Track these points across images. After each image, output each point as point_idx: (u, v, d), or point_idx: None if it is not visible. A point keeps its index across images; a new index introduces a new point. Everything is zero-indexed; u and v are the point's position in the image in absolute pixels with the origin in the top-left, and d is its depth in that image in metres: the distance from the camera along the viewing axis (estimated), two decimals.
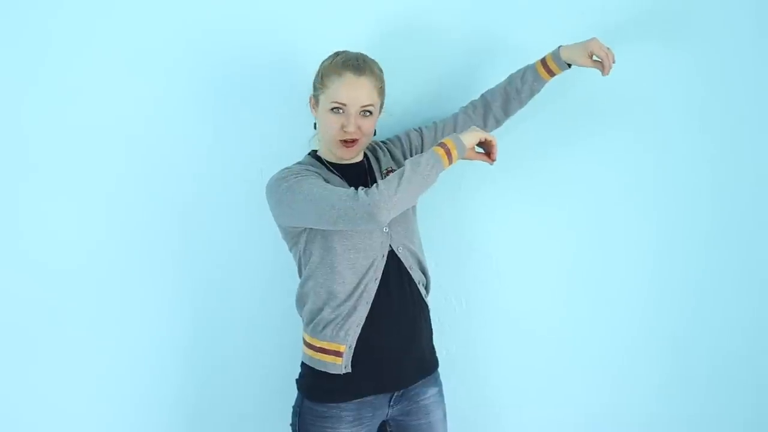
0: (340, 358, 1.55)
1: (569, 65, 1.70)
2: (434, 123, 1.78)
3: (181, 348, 1.94)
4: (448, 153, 1.50)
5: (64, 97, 1.79)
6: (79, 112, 1.80)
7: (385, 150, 1.73)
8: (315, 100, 1.61)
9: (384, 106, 1.66)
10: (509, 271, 1.99)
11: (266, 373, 1.96)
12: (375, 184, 1.46)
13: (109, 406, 1.93)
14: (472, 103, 1.78)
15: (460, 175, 1.88)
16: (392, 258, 1.60)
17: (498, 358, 2.03)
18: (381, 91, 1.61)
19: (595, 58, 1.67)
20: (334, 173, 1.62)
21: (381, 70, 1.61)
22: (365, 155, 1.70)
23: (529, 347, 2.03)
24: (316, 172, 1.57)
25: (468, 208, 1.96)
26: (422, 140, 1.76)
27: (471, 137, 1.54)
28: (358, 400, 1.58)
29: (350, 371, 1.56)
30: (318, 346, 1.58)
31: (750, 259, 2.03)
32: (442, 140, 1.53)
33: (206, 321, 1.94)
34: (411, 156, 1.74)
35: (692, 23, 1.92)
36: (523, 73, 1.74)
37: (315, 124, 1.65)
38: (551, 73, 1.72)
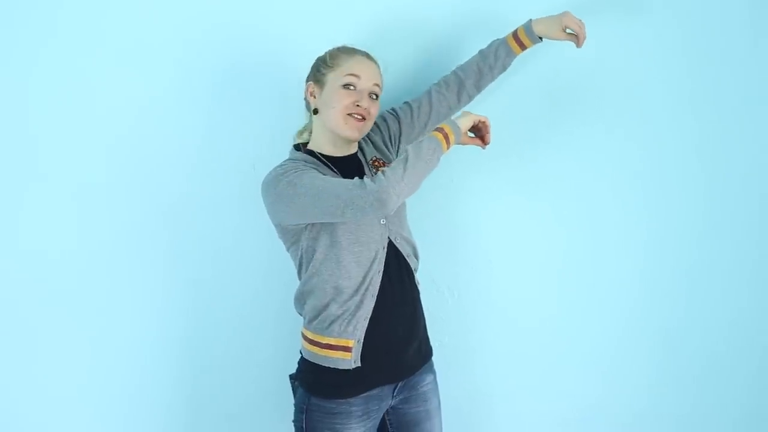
0: (349, 354, 1.55)
1: (541, 39, 1.72)
2: (407, 104, 1.77)
3: (174, 345, 1.94)
4: (446, 137, 1.50)
5: (56, 92, 1.80)
6: (70, 107, 1.80)
7: (367, 139, 1.72)
8: (318, 85, 1.60)
9: None
10: (501, 263, 2.00)
11: (261, 370, 1.96)
12: (380, 171, 1.44)
13: (101, 404, 1.94)
14: (444, 81, 1.77)
15: (451, 166, 1.88)
16: (391, 248, 1.60)
17: (490, 350, 2.04)
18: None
19: (568, 31, 1.69)
20: (329, 167, 1.60)
21: None
22: (358, 146, 1.69)
23: (521, 339, 2.03)
24: (313, 168, 1.55)
25: (459, 199, 1.96)
26: (399, 124, 1.75)
27: (466, 121, 1.55)
28: (366, 393, 1.57)
29: (360, 365, 1.56)
30: (324, 342, 1.56)
31: (741, 256, 2.03)
32: (439, 125, 1.53)
33: (199, 318, 1.94)
34: (392, 143, 1.75)
35: (684, 16, 1.92)
36: (495, 49, 1.74)
37: (315, 110, 1.61)
38: (523, 47, 1.73)
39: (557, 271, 2.02)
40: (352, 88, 1.55)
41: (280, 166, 1.55)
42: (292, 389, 1.67)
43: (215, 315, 1.95)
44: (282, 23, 1.84)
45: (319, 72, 1.60)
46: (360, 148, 1.69)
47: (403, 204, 1.68)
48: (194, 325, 1.94)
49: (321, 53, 1.65)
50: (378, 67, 1.62)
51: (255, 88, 1.86)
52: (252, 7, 1.83)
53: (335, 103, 1.55)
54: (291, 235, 1.59)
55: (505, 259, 2.00)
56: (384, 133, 1.74)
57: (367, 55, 1.62)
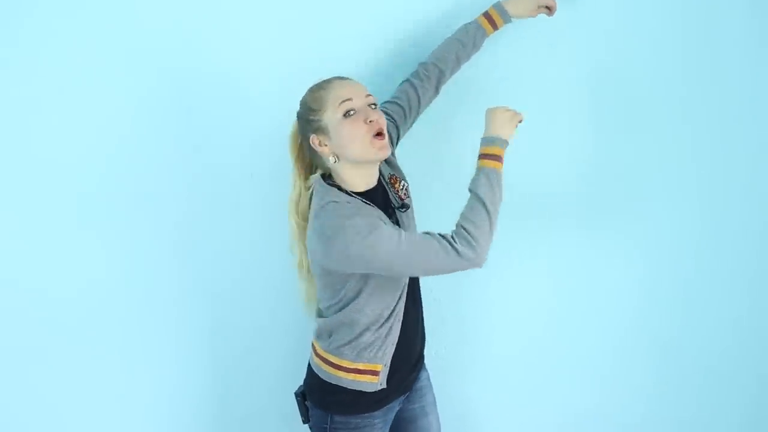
0: (377, 377, 1.56)
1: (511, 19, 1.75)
2: (396, 105, 1.69)
3: (178, 351, 1.96)
4: (498, 159, 1.48)
5: (50, 97, 1.77)
6: (66, 113, 1.78)
7: None
8: (322, 132, 1.48)
9: None
10: (498, 271, 1.98)
11: (271, 375, 1.99)
12: (464, 231, 1.39)
13: (111, 407, 1.97)
14: (425, 73, 1.71)
15: (456, 171, 1.87)
16: None
17: (487, 359, 2.05)
18: None
19: (540, 5, 1.74)
20: (367, 204, 1.50)
21: None
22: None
23: (518, 348, 2.04)
24: (373, 217, 1.45)
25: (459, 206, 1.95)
26: (398, 129, 1.68)
27: (511, 128, 1.51)
28: (386, 406, 1.61)
29: (385, 387, 1.57)
30: (352, 368, 1.55)
31: (740, 260, 2.04)
32: (492, 151, 1.47)
33: (204, 323, 1.95)
34: (393, 146, 1.66)
35: (685, 21, 1.91)
36: (473, 36, 1.73)
37: (333, 159, 1.49)
38: (495, 28, 1.75)
39: (555, 278, 2.02)
40: (353, 112, 1.46)
41: (337, 214, 1.43)
42: (299, 407, 1.67)
43: (220, 319, 1.96)
44: (282, 27, 1.82)
45: (313, 122, 1.49)
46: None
47: (414, 224, 1.66)
48: (198, 331, 1.96)
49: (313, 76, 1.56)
50: (355, 81, 1.53)
51: (252, 95, 1.83)
52: (251, 13, 1.80)
53: (352, 134, 1.45)
54: (337, 277, 1.50)
55: (501, 268, 1.98)
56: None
57: (340, 78, 1.53)
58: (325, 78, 1.53)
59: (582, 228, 2.00)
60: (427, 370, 1.76)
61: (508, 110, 1.51)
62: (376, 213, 1.49)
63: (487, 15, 1.73)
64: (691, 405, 2.11)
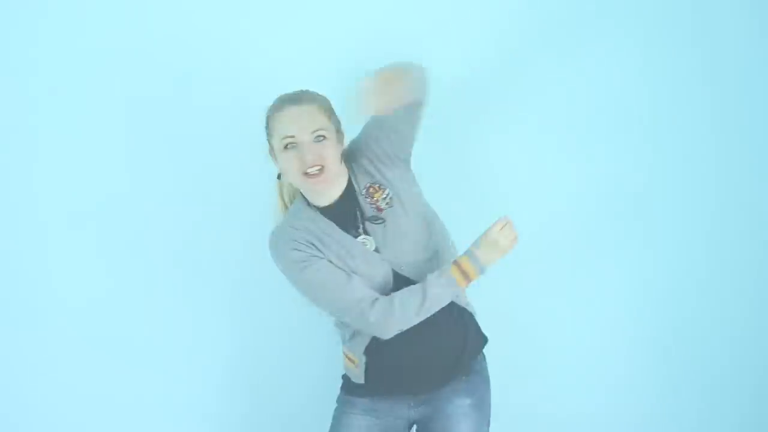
0: (357, 368, 1.61)
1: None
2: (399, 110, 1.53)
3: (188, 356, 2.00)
4: (467, 277, 1.49)
5: (45, 98, 1.80)
6: (60, 115, 1.81)
7: (358, 162, 1.59)
8: (272, 150, 1.55)
9: (344, 133, 1.57)
10: (500, 271, 1.99)
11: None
12: (390, 304, 1.47)
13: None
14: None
15: (468, 163, 1.92)
16: (398, 277, 1.55)
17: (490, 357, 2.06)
18: (330, 115, 1.52)
19: None
20: (327, 219, 1.54)
21: (325, 98, 1.54)
22: (349, 182, 1.57)
23: (517, 347, 2.02)
24: (313, 244, 1.51)
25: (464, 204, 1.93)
26: (387, 137, 1.56)
27: (498, 257, 1.51)
28: (369, 399, 1.63)
29: (362, 383, 1.61)
30: (343, 349, 1.66)
31: (742, 260, 2.02)
32: (469, 273, 1.49)
33: (208, 321, 1.99)
34: (384, 160, 1.57)
35: (685, 20, 1.91)
36: None
37: (279, 174, 1.61)
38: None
39: (555, 277, 2.01)
40: (293, 146, 1.47)
41: (288, 236, 1.53)
42: None
43: (223, 317, 1.99)
44: (278, 26, 1.83)
45: (267, 136, 1.55)
46: (352, 171, 1.58)
47: (413, 227, 1.58)
48: (201, 329, 1.99)
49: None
50: (314, 104, 1.50)
51: (253, 95, 1.83)
52: (247, 11, 1.83)
53: (287, 167, 1.50)
54: None
55: (503, 267, 1.97)
56: (370, 155, 1.57)
57: (297, 101, 1.50)
58: (297, 87, 1.54)
59: (581, 228, 2.00)
60: (473, 398, 1.63)
61: (508, 237, 1.50)
62: (326, 234, 1.53)
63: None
64: (691, 407, 2.08)
